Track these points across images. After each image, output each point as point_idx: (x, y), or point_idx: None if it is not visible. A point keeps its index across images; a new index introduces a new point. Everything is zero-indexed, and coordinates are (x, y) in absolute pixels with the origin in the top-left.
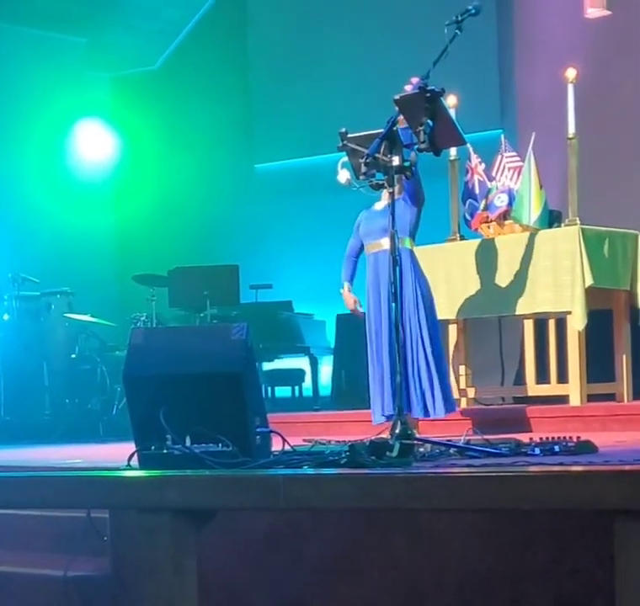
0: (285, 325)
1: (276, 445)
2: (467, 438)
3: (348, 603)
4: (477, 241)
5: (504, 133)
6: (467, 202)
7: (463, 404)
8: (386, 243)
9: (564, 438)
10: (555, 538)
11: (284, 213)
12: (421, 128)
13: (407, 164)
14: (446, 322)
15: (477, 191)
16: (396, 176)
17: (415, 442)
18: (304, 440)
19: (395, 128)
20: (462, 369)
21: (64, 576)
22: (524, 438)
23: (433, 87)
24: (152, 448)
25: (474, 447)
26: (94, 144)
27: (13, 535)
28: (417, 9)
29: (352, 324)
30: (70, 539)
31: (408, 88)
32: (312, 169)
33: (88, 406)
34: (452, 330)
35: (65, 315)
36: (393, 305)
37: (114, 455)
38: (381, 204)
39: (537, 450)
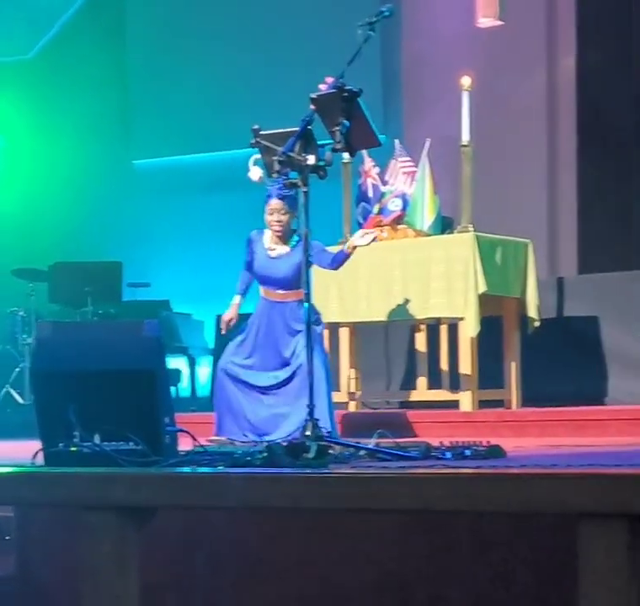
0: (163, 324)
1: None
2: (377, 440)
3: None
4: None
5: (388, 138)
6: (360, 205)
7: (351, 408)
8: (287, 296)
9: (474, 442)
10: (476, 540)
11: (162, 211)
12: (337, 128)
13: (322, 163)
14: (337, 326)
15: (370, 195)
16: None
17: (329, 443)
18: (208, 440)
19: (310, 127)
20: (352, 372)
21: None
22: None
23: (350, 87)
24: (60, 445)
25: (385, 450)
26: None
27: None
28: (301, 7)
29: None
30: None
31: (323, 87)
32: (192, 167)
33: None
34: (343, 333)
35: None
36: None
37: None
38: (276, 251)
39: (448, 454)
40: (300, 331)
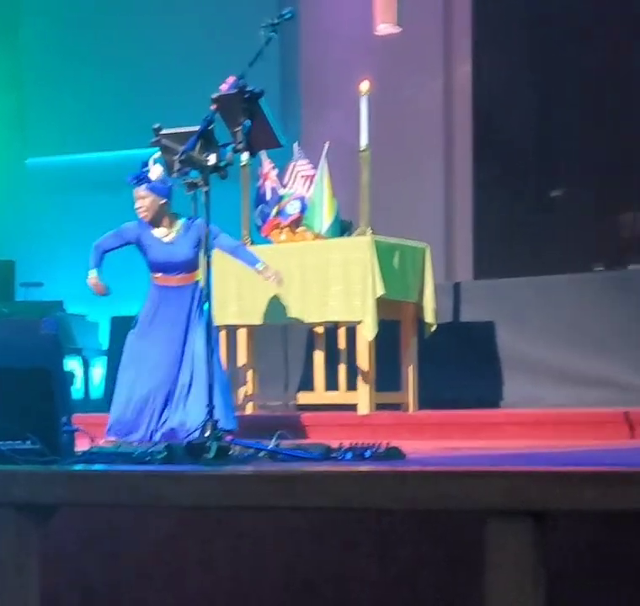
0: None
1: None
2: (277, 441)
3: None
4: (269, 247)
5: (287, 141)
6: (259, 208)
7: (249, 410)
8: (185, 279)
9: (373, 444)
10: (381, 539)
11: (57, 210)
12: (238, 128)
13: (223, 163)
14: (235, 328)
15: (268, 197)
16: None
17: (228, 444)
18: (105, 441)
19: (211, 126)
20: (249, 374)
21: None
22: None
23: (252, 88)
24: None
25: (286, 451)
26: None
27: None
28: (202, 7)
29: (127, 327)
30: None
31: (224, 88)
32: (88, 166)
33: None
34: (241, 335)
35: None
36: (206, 305)
37: None
38: (169, 235)
39: (348, 455)
40: (198, 319)
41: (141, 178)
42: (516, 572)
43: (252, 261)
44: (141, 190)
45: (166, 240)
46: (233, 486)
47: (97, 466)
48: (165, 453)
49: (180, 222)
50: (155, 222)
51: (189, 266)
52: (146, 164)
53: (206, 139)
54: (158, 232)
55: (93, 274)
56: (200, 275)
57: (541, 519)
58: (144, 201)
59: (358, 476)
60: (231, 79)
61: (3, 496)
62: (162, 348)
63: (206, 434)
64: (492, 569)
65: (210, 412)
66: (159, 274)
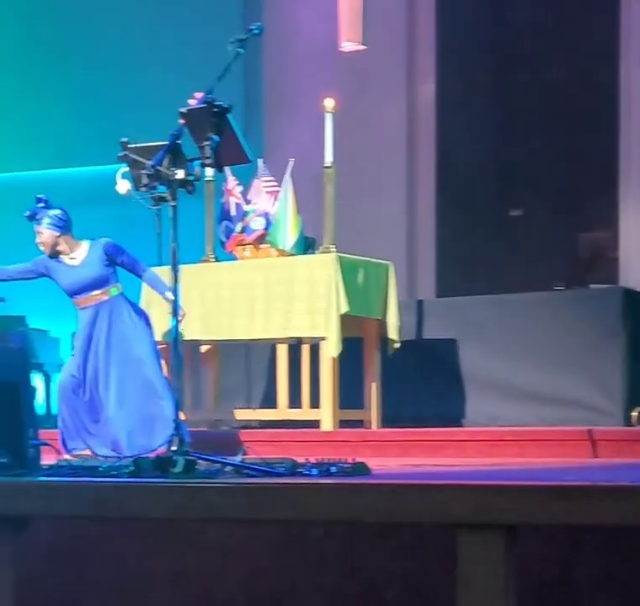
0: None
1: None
2: (243, 456)
3: None
4: (233, 263)
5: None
6: (223, 224)
7: (212, 426)
8: (102, 295)
9: (339, 459)
10: (348, 556)
11: (19, 224)
12: (206, 143)
13: (191, 178)
14: (198, 343)
15: (233, 213)
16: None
17: (195, 458)
18: (72, 456)
19: (179, 141)
20: (213, 390)
21: None
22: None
23: (221, 102)
24: None
25: (251, 465)
26: None
27: None
28: (167, 21)
29: None
30: None
31: (193, 102)
32: (53, 182)
33: None
34: (205, 351)
35: None
36: (173, 320)
37: None
38: (75, 259)
39: (315, 471)
40: (133, 329)
41: (33, 216)
42: (487, 585)
43: (161, 288)
44: (40, 227)
45: (74, 263)
46: (201, 499)
47: (63, 478)
48: (132, 467)
49: (85, 244)
50: (55, 254)
51: (101, 282)
52: (40, 200)
53: (174, 153)
54: (64, 259)
55: None
56: (117, 289)
57: (511, 532)
58: (42, 237)
59: (326, 489)
60: (199, 94)
61: None
62: (95, 366)
63: (173, 449)
64: (463, 582)
65: (177, 427)
66: (78, 297)
